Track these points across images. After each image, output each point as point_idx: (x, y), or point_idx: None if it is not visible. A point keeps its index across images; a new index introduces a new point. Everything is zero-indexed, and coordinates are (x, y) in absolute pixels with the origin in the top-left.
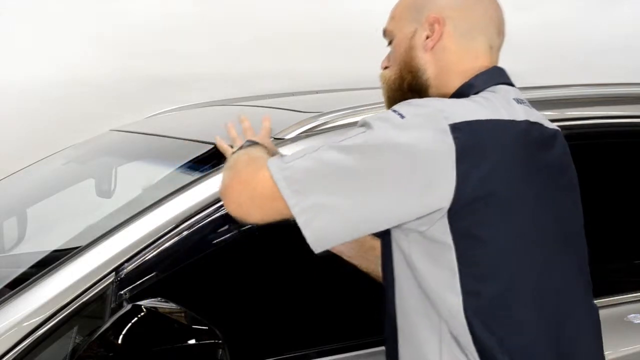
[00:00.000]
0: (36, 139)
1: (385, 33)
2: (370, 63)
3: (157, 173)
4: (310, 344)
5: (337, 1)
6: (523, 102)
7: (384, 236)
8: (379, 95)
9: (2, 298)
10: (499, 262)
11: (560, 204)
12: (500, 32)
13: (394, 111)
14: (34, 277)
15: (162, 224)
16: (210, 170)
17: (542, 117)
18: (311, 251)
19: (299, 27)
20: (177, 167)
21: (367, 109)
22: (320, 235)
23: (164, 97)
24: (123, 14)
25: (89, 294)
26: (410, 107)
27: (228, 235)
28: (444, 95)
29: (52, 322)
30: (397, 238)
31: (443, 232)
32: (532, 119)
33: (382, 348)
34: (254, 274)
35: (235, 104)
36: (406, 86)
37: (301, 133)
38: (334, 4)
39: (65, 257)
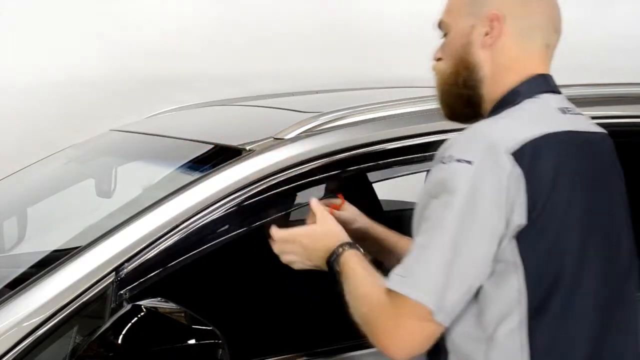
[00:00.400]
0: (36, 139)
1: (441, 25)
2: (371, 63)
3: (157, 173)
4: (310, 344)
5: (337, 2)
6: (568, 111)
7: None
8: (379, 96)
9: (2, 298)
10: (558, 277)
11: (607, 212)
12: (557, 29)
13: (459, 160)
14: (34, 277)
15: (162, 224)
16: (210, 170)
17: (589, 123)
18: None
19: (299, 27)
20: (177, 167)
21: (367, 109)
22: (451, 308)
23: (164, 97)
24: (123, 14)
25: (89, 294)
26: (470, 147)
27: (228, 235)
28: (492, 95)
29: (52, 322)
30: None
31: (511, 252)
32: (576, 128)
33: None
34: (254, 274)
35: (235, 104)
36: (461, 82)
37: (301, 133)
38: (334, 4)
39: (65, 257)
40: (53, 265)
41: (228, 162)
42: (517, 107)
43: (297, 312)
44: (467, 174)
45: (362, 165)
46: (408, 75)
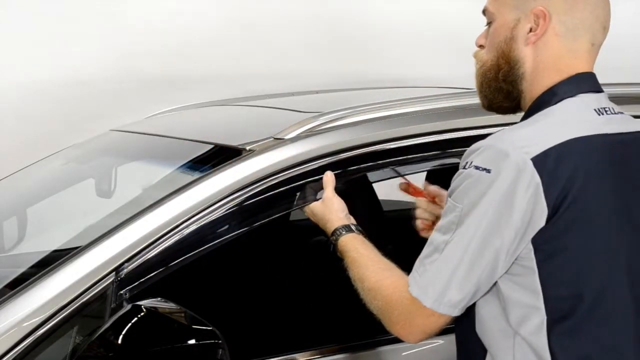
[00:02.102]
0: (36, 139)
1: (485, 12)
2: (372, 63)
3: (157, 173)
4: (310, 343)
5: (337, 1)
6: (605, 111)
7: None
8: (379, 96)
9: (2, 298)
10: (580, 280)
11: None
12: (605, 27)
13: (477, 167)
14: (34, 277)
15: (162, 224)
16: (210, 170)
17: (626, 122)
18: (312, 251)
19: (299, 27)
20: (177, 167)
21: (367, 109)
22: (457, 305)
23: (164, 97)
24: (123, 14)
25: (89, 294)
26: (490, 155)
27: (228, 235)
28: (532, 92)
29: (52, 322)
30: None
31: (527, 256)
32: (610, 130)
33: (379, 349)
34: (253, 274)
35: (235, 104)
36: (502, 76)
37: (301, 133)
38: (334, 4)
39: (65, 257)
40: (53, 265)
41: (228, 162)
42: (552, 108)
43: (297, 312)
44: (482, 183)
45: (362, 165)
46: (408, 75)
